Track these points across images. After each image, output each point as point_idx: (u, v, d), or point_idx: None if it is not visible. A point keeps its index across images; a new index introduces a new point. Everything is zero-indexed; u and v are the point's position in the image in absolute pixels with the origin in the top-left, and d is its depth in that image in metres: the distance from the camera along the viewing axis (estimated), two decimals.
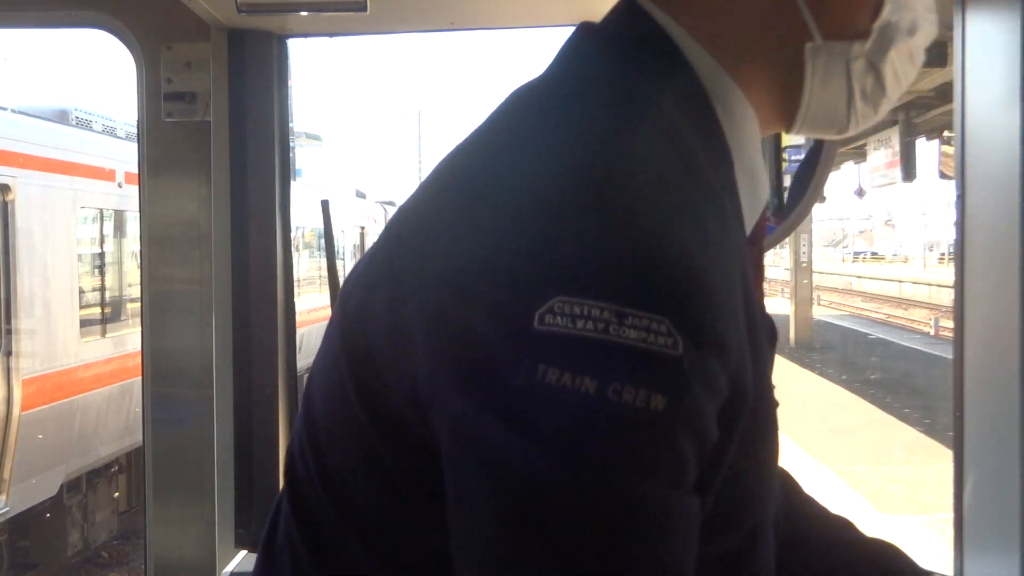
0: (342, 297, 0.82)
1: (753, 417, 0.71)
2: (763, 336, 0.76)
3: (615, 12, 0.83)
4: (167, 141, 2.02)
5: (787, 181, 1.69)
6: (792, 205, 1.62)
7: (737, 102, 0.80)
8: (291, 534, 0.84)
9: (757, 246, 0.87)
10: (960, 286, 1.63)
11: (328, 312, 1.98)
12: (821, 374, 15.87)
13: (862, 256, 70.14)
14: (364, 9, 1.73)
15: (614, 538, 0.62)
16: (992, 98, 1.52)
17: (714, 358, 0.65)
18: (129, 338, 8.92)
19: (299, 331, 2.20)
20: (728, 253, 0.70)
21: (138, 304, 2.76)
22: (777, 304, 29.22)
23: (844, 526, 1.06)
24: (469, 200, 0.71)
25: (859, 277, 42.46)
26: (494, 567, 0.64)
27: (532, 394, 0.63)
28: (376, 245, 0.80)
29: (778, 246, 1.68)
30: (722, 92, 0.79)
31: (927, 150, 12.29)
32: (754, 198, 0.82)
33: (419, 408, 0.70)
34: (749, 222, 0.82)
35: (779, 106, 0.84)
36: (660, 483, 0.63)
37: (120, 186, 9.18)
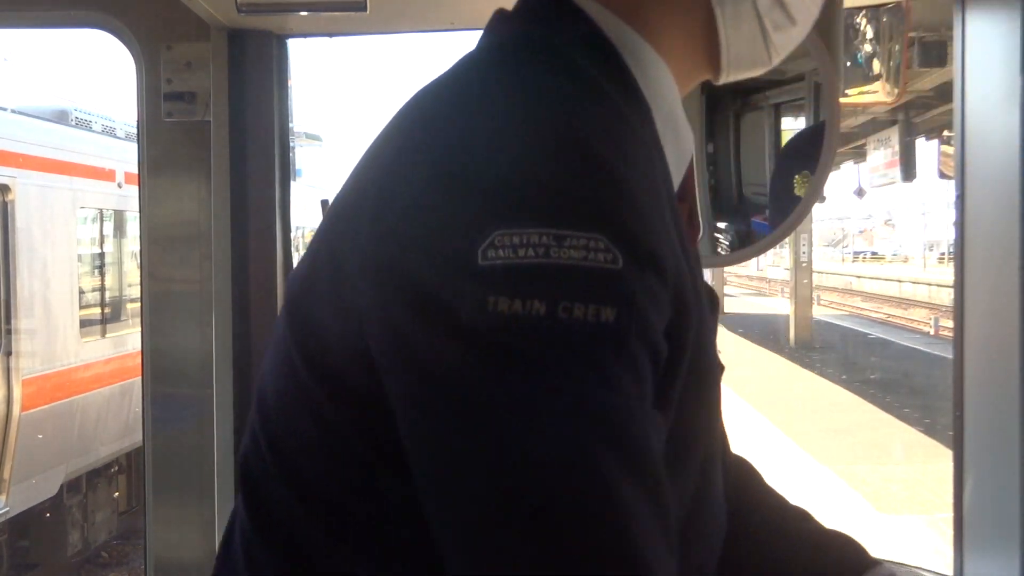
0: (288, 282, 0.84)
1: (698, 359, 0.74)
2: (704, 299, 0.78)
3: None
4: (167, 141, 2.02)
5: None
6: (792, 205, 1.62)
7: (648, 56, 0.83)
8: (244, 529, 0.83)
9: (686, 203, 0.91)
10: (960, 286, 1.63)
11: None
12: (821, 374, 15.87)
13: (862, 256, 70.17)
14: (364, 9, 1.73)
15: (588, 450, 0.62)
16: (992, 98, 1.52)
17: (652, 274, 0.67)
18: (129, 338, 8.93)
19: None
20: (658, 191, 0.73)
21: (138, 304, 2.76)
22: (777, 304, 29.23)
23: (802, 517, 1.08)
24: (395, 159, 0.74)
25: (859, 277, 42.48)
26: (479, 498, 0.64)
27: (486, 324, 0.64)
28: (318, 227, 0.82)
29: (778, 246, 1.68)
30: (631, 47, 0.82)
31: (927, 150, 12.30)
32: (678, 151, 0.85)
33: (370, 369, 0.70)
34: (676, 176, 0.84)
35: (701, 57, 0.88)
36: (623, 393, 0.64)
37: (120, 186, 9.18)
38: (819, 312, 24.64)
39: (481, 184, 0.67)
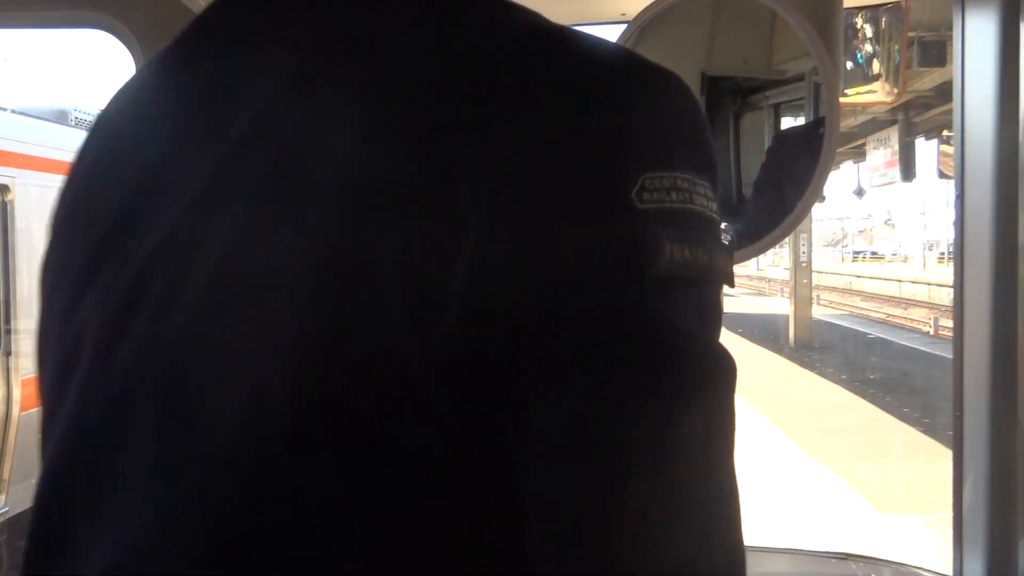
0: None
1: None
2: None
3: None
4: None
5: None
6: (791, 205, 1.62)
7: None
8: None
9: None
10: (959, 286, 1.63)
11: None
12: (821, 373, 15.88)
13: (862, 255, 70.22)
14: None
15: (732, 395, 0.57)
16: (992, 98, 1.52)
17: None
18: None
19: None
20: None
21: None
22: (777, 303, 29.25)
23: None
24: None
25: (859, 276, 42.51)
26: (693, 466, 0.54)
27: (672, 275, 0.55)
28: None
29: (778, 246, 1.68)
30: None
31: (926, 150, 12.32)
32: None
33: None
34: None
35: None
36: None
37: None
38: (819, 312, 24.66)
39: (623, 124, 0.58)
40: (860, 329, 24.36)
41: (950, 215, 1.74)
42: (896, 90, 7.88)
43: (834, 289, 38.22)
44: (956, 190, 1.62)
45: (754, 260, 13.74)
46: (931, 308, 25.72)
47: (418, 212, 0.54)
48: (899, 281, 35.56)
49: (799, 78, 1.52)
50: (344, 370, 0.54)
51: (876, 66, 7.83)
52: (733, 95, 1.62)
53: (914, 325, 24.35)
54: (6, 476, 7.45)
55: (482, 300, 0.53)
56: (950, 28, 1.63)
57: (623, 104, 0.57)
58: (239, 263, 0.58)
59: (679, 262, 0.55)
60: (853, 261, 65.71)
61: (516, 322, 0.53)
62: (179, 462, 0.58)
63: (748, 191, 1.63)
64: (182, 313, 0.59)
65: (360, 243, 0.55)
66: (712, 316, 0.58)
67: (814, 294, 23.67)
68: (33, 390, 7.66)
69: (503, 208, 0.53)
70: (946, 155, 11.72)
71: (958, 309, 1.64)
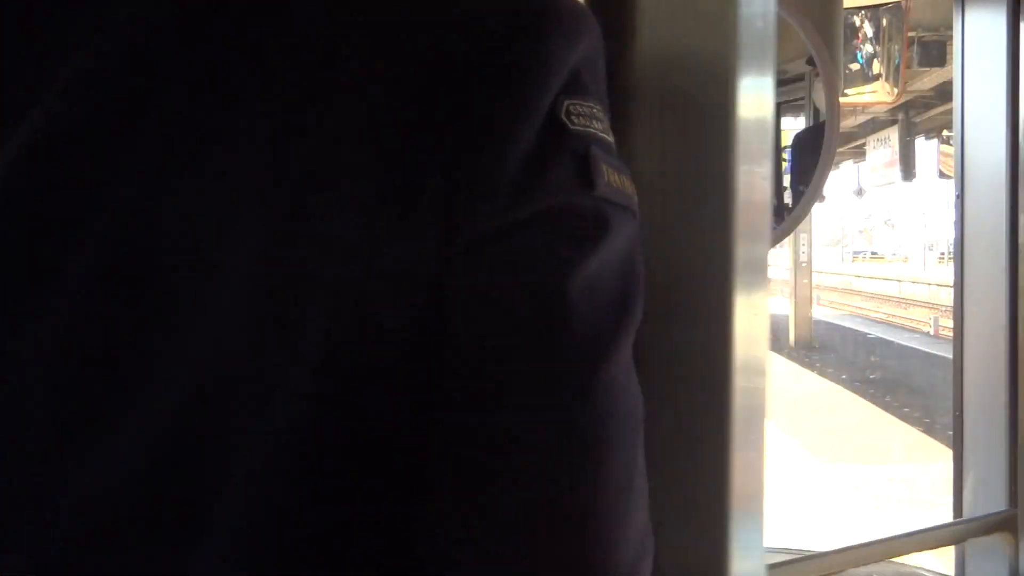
0: None
1: None
2: None
3: None
4: None
5: (787, 181, 1.69)
6: (791, 205, 1.62)
7: None
8: None
9: None
10: (959, 286, 1.63)
11: None
12: (821, 373, 15.88)
13: (861, 255, 70.22)
14: None
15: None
16: (992, 98, 1.52)
17: None
18: None
19: None
20: None
21: None
22: (777, 303, 29.25)
23: None
24: None
25: (858, 276, 42.52)
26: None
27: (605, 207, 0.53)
28: None
29: (778, 246, 1.68)
30: None
31: (926, 150, 12.32)
32: None
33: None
34: None
35: None
36: None
37: None
38: (819, 312, 24.67)
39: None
40: (860, 329, 24.36)
41: (950, 215, 1.74)
42: (896, 90, 7.89)
43: (834, 289, 38.23)
44: (956, 190, 1.62)
45: None
46: (931, 308, 25.72)
47: None
48: (899, 281, 35.56)
49: (799, 78, 1.52)
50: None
51: (876, 66, 7.84)
52: None
53: (914, 325, 24.35)
54: None
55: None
56: (950, 28, 1.63)
57: (542, 37, 0.53)
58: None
59: (615, 187, 0.54)
60: (853, 261, 65.73)
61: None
62: None
63: None
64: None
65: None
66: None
67: (814, 294, 23.68)
68: None
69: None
70: (946, 155, 11.73)
71: (958, 309, 1.65)
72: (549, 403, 0.50)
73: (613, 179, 0.54)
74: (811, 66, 1.50)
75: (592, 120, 0.54)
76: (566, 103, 0.53)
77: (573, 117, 0.53)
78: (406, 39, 0.53)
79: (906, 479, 8.89)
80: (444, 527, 0.51)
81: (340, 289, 0.51)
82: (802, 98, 1.54)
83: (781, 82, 1.56)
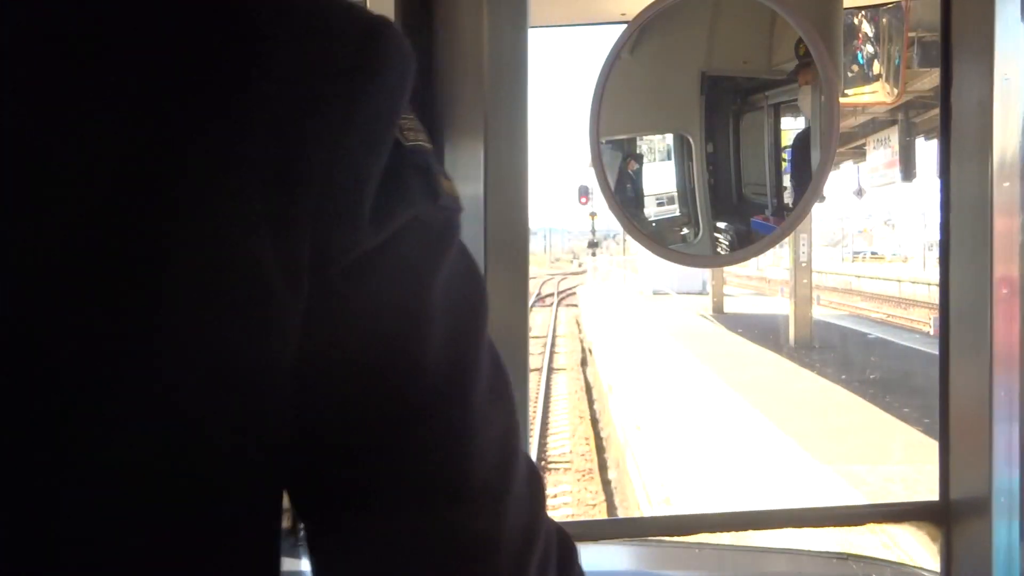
0: None
1: None
2: None
3: None
4: None
5: (787, 181, 1.69)
6: (792, 205, 1.62)
7: None
8: None
9: None
10: (944, 285, 1.64)
11: None
12: (820, 373, 15.87)
13: (861, 256, 70.20)
14: None
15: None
16: (977, 98, 1.52)
17: None
18: None
19: None
20: None
21: None
22: (777, 304, 29.25)
23: None
24: None
25: (858, 277, 42.50)
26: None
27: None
28: None
29: (778, 246, 1.68)
30: None
31: (926, 150, 12.31)
32: None
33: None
34: None
35: None
36: None
37: None
38: (819, 312, 24.66)
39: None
40: (860, 329, 24.36)
41: None
42: (896, 90, 7.88)
43: (834, 289, 38.21)
44: (940, 194, 1.61)
45: (754, 260, 13.76)
46: (931, 308, 25.70)
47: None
48: (899, 281, 35.54)
49: (795, 79, 1.52)
50: None
51: (876, 66, 7.83)
52: (733, 95, 1.62)
53: (914, 325, 24.34)
54: None
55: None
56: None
57: (384, 71, 0.56)
58: None
59: (450, 193, 0.59)
60: (853, 261, 65.71)
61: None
62: None
63: (748, 191, 1.63)
64: None
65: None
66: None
67: (814, 294, 23.67)
68: None
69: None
70: None
71: (943, 312, 1.66)
72: (441, 397, 0.56)
73: (447, 186, 0.59)
74: (802, 68, 1.50)
75: (417, 132, 0.58)
76: (398, 121, 0.57)
77: (406, 132, 0.57)
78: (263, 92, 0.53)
79: (905, 479, 8.90)
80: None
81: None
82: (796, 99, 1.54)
83: (781, 82, 1.56)
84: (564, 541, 0.66)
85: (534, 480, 0.63)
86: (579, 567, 0.67)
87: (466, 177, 1.39)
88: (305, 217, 0.52)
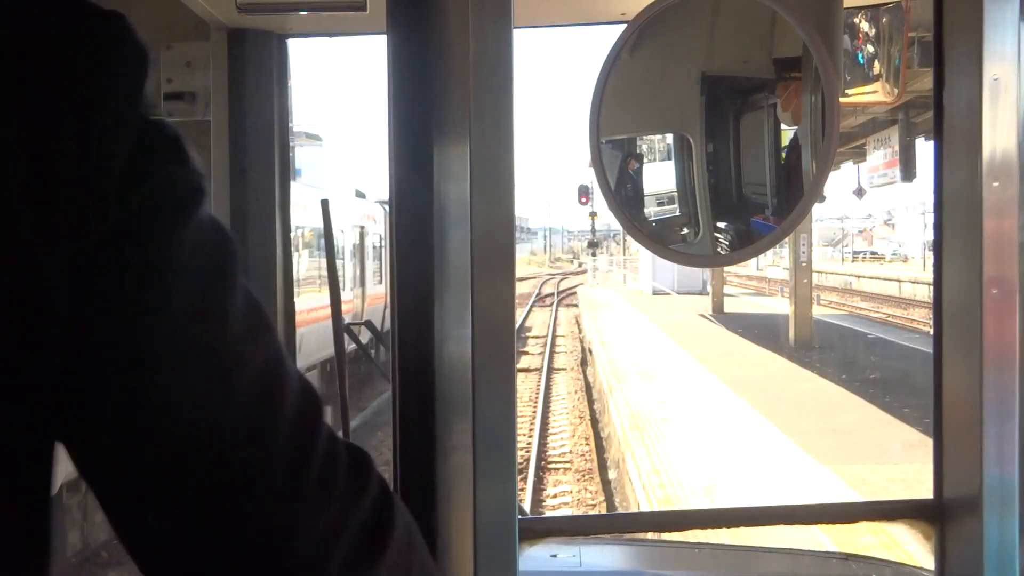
0: None
1: None
2: None
3: None
4: None
5: (787, 181, 1.69)
6: (792, 205, 1.62)
7: None
8: None
9: None
10: (938, 283, 1.63)
11: (328, 312, 1.98)
12: (820, 373, 15.87)
13: (861, 256, 70.17)
14: (364, 9, 1.73)
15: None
16: (971, 98, 1.52)
17: None
18: None
19: (299, 331, 2.19)
20: None
21: None
22: (777, 303, 29.23)
23: None
24: None
25: (858, 276, 42.48)
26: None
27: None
28: None
29: (778, 246, 1.68)
30: None
31: (926, 150, 12.31)
32: None
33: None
34: None
35: None
36: None
37: None
38: (819, 312, 24.65)
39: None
40: (860, 329, 24.35)
41: None
42: (896, 90, 7.88)
43: (834, 289, 38.20)
44: (934, 195, 1.61)
45: (754, 260, 13.73)
46: (931, 308, 25.69)
47: None
48: (899, 281, 35.53)
49: (799, 78, 1.52)
50: None
51: (876, 66, 7.83)
52: (733, 95, 1.62)
53: (914, 325, 24.34)
54: None
55: None
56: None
57: (125, 56, 0.65)
58: None
59: (199, 165, 0.69)
60: (853, 261, 65.68)
61: None
62: None
63: (748, 191, 1.63)
64: None
65: None
66: None
67: (814, 294, 23.65)
68: None
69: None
70: None
71: (937, 310, 1.65)
72: (197, 333, 0.65)
73: (195, 156, 0.68)
74: (784, 72, 1.50)
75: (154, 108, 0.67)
76: (142, 100, 0.65)
77: (150, 108, 0.66)
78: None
79: (904, 479, 8.89)
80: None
81: None
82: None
83: (761, 88, 1.56)
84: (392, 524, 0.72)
85: (355, 469, 0.72)
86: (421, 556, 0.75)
87: (452, 177, 1.39)
88: (61, 189, 0.59)
